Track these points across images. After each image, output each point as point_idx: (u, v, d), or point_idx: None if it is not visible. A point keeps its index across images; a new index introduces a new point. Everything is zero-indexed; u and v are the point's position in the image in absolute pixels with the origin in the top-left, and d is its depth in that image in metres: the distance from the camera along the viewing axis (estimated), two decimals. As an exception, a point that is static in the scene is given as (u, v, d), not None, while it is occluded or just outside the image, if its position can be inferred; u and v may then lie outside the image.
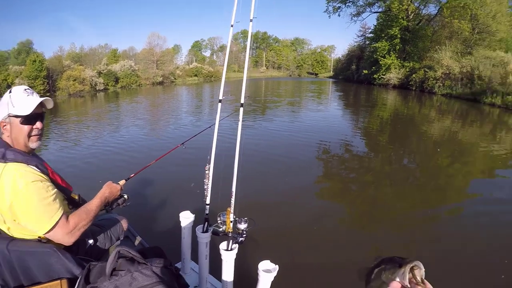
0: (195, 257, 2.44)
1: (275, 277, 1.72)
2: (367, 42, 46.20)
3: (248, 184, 5.49)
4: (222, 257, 1.95)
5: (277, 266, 1.74)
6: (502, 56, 24.28)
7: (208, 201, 2.27)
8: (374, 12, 40.89)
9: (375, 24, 41.10)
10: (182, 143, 2.92)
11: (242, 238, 1.92)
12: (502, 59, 23.55)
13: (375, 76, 36.43)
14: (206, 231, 2.19)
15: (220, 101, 2.35)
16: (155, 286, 1.15)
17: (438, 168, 7.93)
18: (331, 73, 67.78)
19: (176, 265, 2.04)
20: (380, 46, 35.72)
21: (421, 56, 33.43)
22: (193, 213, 2.39)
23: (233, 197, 2.02)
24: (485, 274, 3.43)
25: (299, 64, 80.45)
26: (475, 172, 7.87)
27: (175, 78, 41.43)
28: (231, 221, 1.95)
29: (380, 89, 33.42)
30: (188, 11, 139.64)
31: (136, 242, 2.43)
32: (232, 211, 1.98)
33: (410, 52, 34.37)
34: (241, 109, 2.12)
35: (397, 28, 34.33)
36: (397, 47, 34.80)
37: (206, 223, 2.22)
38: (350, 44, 57.28)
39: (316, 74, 76.27)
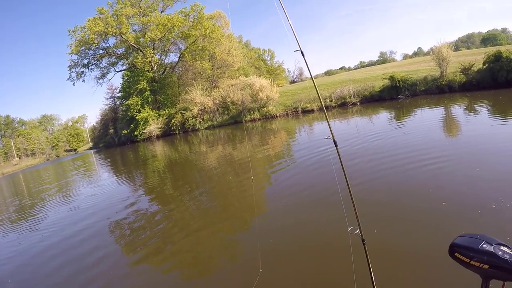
0: None
1: None
2: (118, 102, 43.70)
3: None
4: None
5: None
6: (245, 80, 28.32)
7: None
8: (119, 71, 39.17)
9: (121, 82, 39.62)
10: None
11: None
12: (247, 82, 27.30)
13: (135, 133, 34.00)
14: None
15: None
16: None
17: (226, 189, 8.02)
18: (90, 144, 62.99)
19: None
20: (132, 102, 33.85)
21: (174, 101, 34.45)
22: None
23: None
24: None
25: (53, 144, 70.63)
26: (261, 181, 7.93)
27: None
28: None
29: (145, 143, 31.33)
30: None
31: None
32: None
33: (162, 100, 34.62)
34: None
35: (145, 81, 33.89)
36: (149, 99, 34.20)
37: None
38: (101, 108, 53.41)
39: (75, 150, 70.05)
